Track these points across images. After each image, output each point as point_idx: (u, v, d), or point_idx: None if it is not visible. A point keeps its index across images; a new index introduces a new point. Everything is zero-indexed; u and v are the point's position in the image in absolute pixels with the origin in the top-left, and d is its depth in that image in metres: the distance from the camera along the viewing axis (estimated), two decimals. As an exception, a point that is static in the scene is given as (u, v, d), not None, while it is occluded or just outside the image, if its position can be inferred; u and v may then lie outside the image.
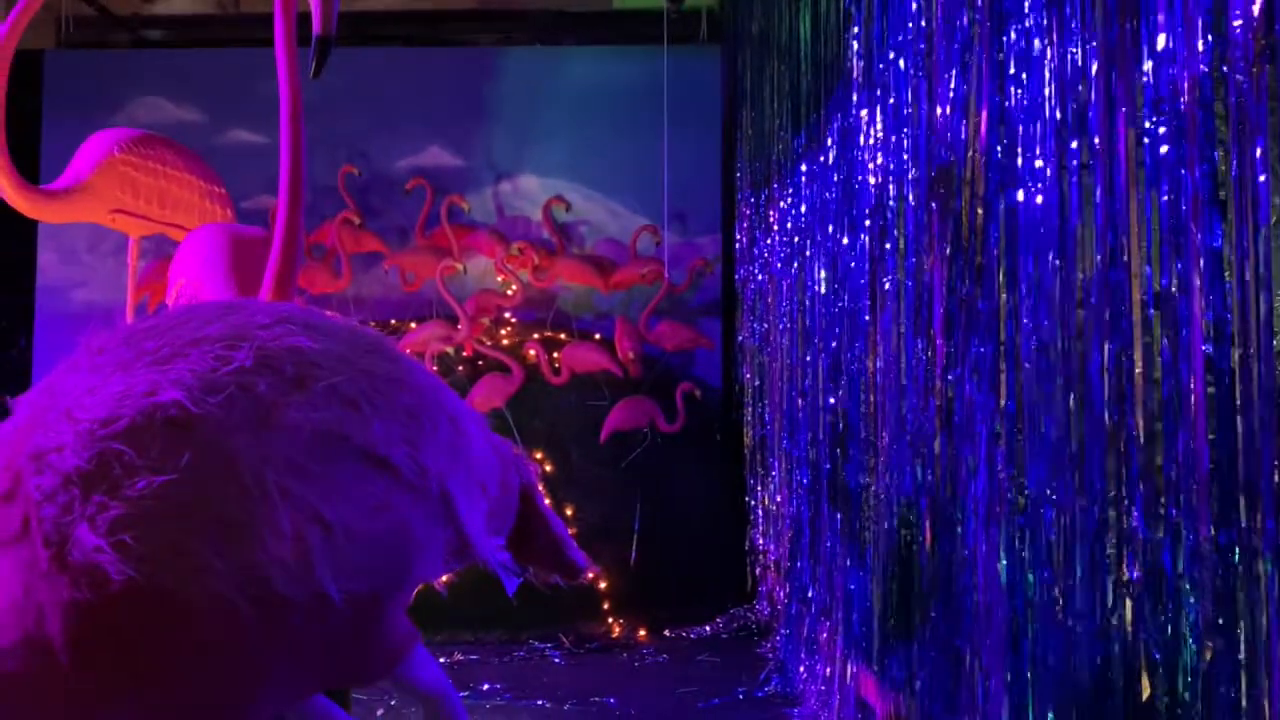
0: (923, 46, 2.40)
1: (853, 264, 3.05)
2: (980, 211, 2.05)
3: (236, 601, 1.19)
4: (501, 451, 1.79)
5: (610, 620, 4.93)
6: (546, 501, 1.99)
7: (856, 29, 3.01)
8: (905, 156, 2.53)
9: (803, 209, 3.84)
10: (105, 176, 3.61)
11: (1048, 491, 1.71)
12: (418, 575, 1.47)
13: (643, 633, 4.88)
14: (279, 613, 1.23)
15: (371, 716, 3.62)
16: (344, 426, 1.35)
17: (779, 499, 4.42)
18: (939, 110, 2.28)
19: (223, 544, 1.20)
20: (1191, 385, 1.30)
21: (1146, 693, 1.37)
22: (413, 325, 5.50)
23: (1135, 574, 1.43)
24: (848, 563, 3.08)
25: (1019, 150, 1.85)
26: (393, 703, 3.75)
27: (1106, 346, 1.52)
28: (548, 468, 4.96)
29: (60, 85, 6.07)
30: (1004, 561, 1.89)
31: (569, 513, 4.89)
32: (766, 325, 4.71)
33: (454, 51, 6.22)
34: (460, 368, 5.33)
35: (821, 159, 3.51)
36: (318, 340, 1.41)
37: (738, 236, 5.73)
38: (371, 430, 1.38)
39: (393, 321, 5.59)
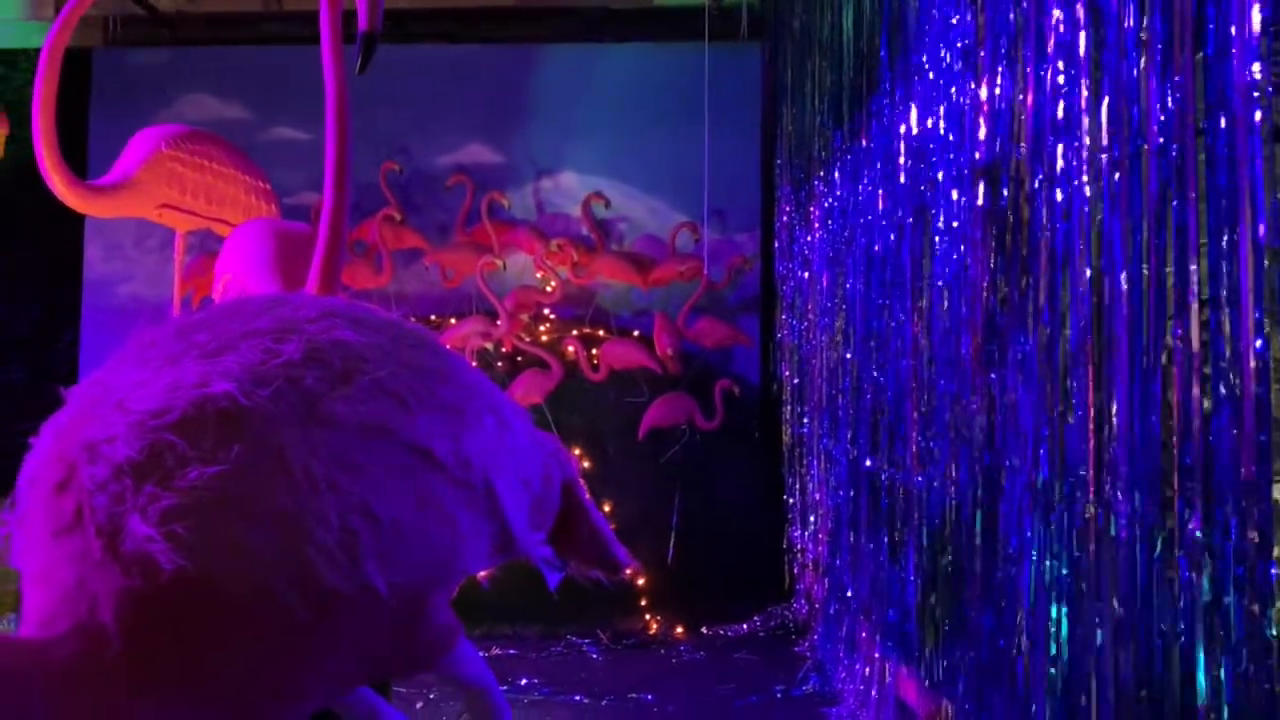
0: (968, 40, 2.37)
1: (895, 261, 3.03)
2: (1025, 207, 2.03)
3: (285, 592, 1.21)
4: (543, 446, 1.79)
5: (648, 617, 4.93)
6: (588, 496, 1.99)
7: (899, 23, 2.98)
8: (949, 153, 2.50)
9: (844, 206, 3.82)
10: (153, 172, 3.66)
11: (1093, 491, 1.68)
12: (462, 568, 1.48)
13: (680, 630, 4.87)
14: (326, 604, 1.25)
15: (411, 710, 3.65)
16: (390, 420, 1.36)
17: (817, 497, 4.40)
18: (983, 105, 2.25)
19: (272, 535, 1.21)
20: (1242, 385, 1.28)
21: (1202, 697, 1.35)
22: (453, 321, 5.54)
23: (1185, 574, 1.41)
24: (888, 561, 3.06)
25: (1065, 145, 1.82)
26: (431, 695, 3.78)
27: (1157, 345, 1.50)
28: (586, 464, 4.97)
29: (107, 83, 6.16)
30: (1049, 561, 1.87)
31: (607, 509, 4.90)
32: (806, 323, 4.69)
33: (495, 48, 6.25)
34: (499, 364, 5.35)
35: (864, 155, 3.49)
36: (363, 334, 1.42)
37: (777, 233, 5.71)
38: (416, 424, 1.39)
39: (433, 317, 5.63)
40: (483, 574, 1.71)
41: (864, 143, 3.48)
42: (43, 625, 1.18)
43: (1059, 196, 1.84)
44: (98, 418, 1.24)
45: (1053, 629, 1.84)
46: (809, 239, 4.65)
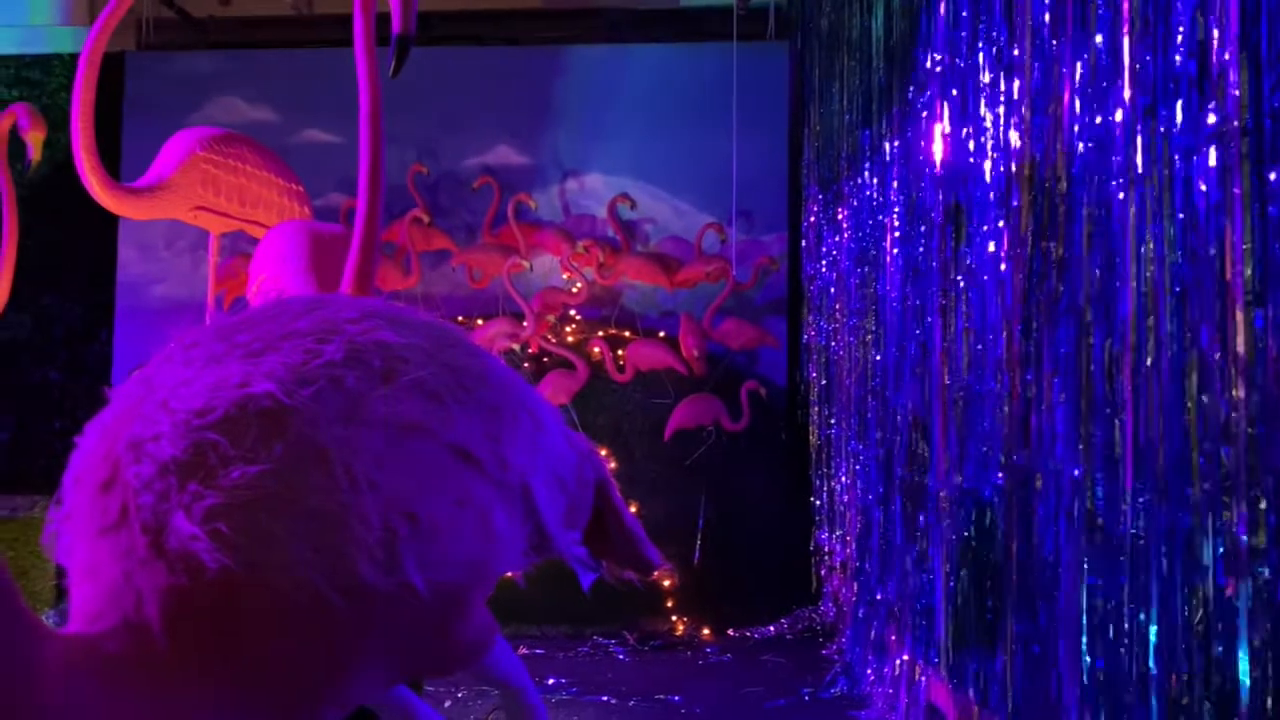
0: (1003, 38, 2.36)
1: (926, 262, 3.01)
2: (1061, 207, 2.01)
3: (326, 591, 1.22)
4: (577, 446, 1.80)
5: (674, 618, 4.93)
6: (620, 497, 1.99)
7: (931, 20, 2.97)
8: (983, 152, 2.49)
9: (874, 206, 3.80)
10: (188, 174, 3.70)
11: (1132, 495, 1.67)
12: (498, 568, 1.48)
13: (706, 631, 4.87)
14: (367, 602, 1.25)
15: (439, 708, 3.66)
16: (429, 420, 1.36)
17: (845, 499, 4.38)
18: (1019, 104, 2.23)
19: (314, 533, 1.22)
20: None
21: (1244, 703, 1.33)
22: (479, 322, 5.56)
23: (1224, 581, 1.39)
24: (918, 565, 3.05)
25: (1103, 144, 1.81)
26: (460, 694, 3.80)
27: (1199, 346, 1.48)
28: (611, 465, 4.98)
29: (140, 86, 6.23)
30: (1086, 565, 1.85)
31: (632, 510, 4.90)
32: (834, 324, 4.67)
33: (522, 50, 6.27)
34: (526, 365, 5.37)
35: (894, 155, 3.47)
36: (403, 334, 1.42)
37: (805, 234, 5.69)
38: (455, 424, 1.40)
39: (460, 319, 5.65)
40: (517, 573, 1.72)
41: (895, 142, 3.46)
42: (90, 620, 1.19)
43: (1097, 196, 1.83)
44: (142, 416, 1.25)
45: (1090, 634, 1.83)
46: (837, 239, 4.63)
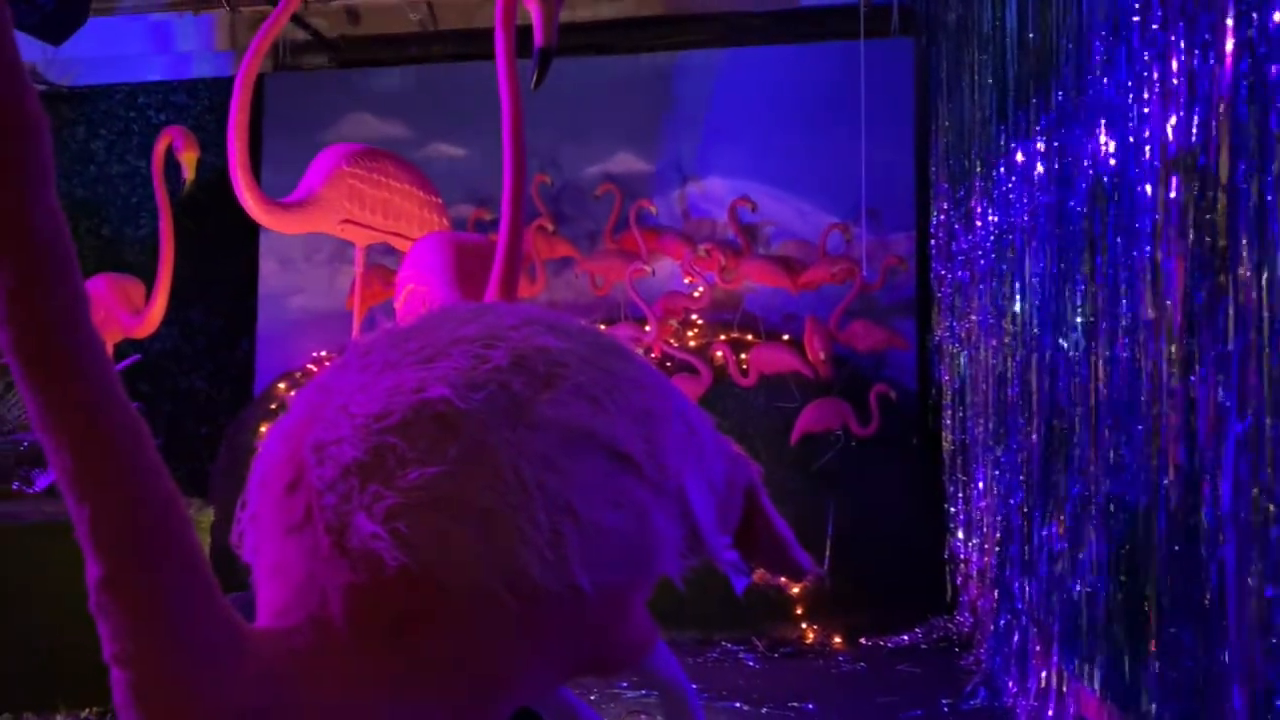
0: (1156, 24, 2.26)
1: (1073, 259, 2.91)
2: (1222, 197, 1.92)
3: (499, 591, 1.24)
4: (725, 450, 1.80)
5: (803, 625, 4.87)
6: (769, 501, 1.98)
7: (1073, 8, 2.87)
8: (1135, 143, 2.39)
9: (1013, 202, 3.69)
10: (335, 189, 3.85)
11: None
12: (658, 569, 1.49)
13: (838, 639, 4.80)
14: (537, 602, 1.28)
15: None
16: (590, 423, 1.39)
17: (983, 505, 4.26)
18: (1174, 92, 2.14)
19: (486, 535, 1.25)
20: None
21: None
22: (602, 328, 5.61)
23: None
24: (1068, 573, 2.94)
25: (1264, 130, 1.72)
26: (592, 697, 3.83)
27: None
28: (739, 469, 4.95)
29: (278, 105, 6.50)
30: (1255, 574, 1.76)
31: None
32: (968, 325, 4.56)
33: (642, 58, 6.31)
34: (650, 369, 5.39)
35: (1034, 149, 3.37)
36: (561, 340, 1.45)
37: (934, 233, 5.57)
38: (614, 427, 1.41)
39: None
40: (675, 576, 1.73)
41: (1035, 136, 3.36)
42: (277, 616, 1.25)
43: (1260, 186, 1.73)
44: (323, 421, 1.30)
45: (1259, 647, 1.73)
46: (971, 238, 4.51)
